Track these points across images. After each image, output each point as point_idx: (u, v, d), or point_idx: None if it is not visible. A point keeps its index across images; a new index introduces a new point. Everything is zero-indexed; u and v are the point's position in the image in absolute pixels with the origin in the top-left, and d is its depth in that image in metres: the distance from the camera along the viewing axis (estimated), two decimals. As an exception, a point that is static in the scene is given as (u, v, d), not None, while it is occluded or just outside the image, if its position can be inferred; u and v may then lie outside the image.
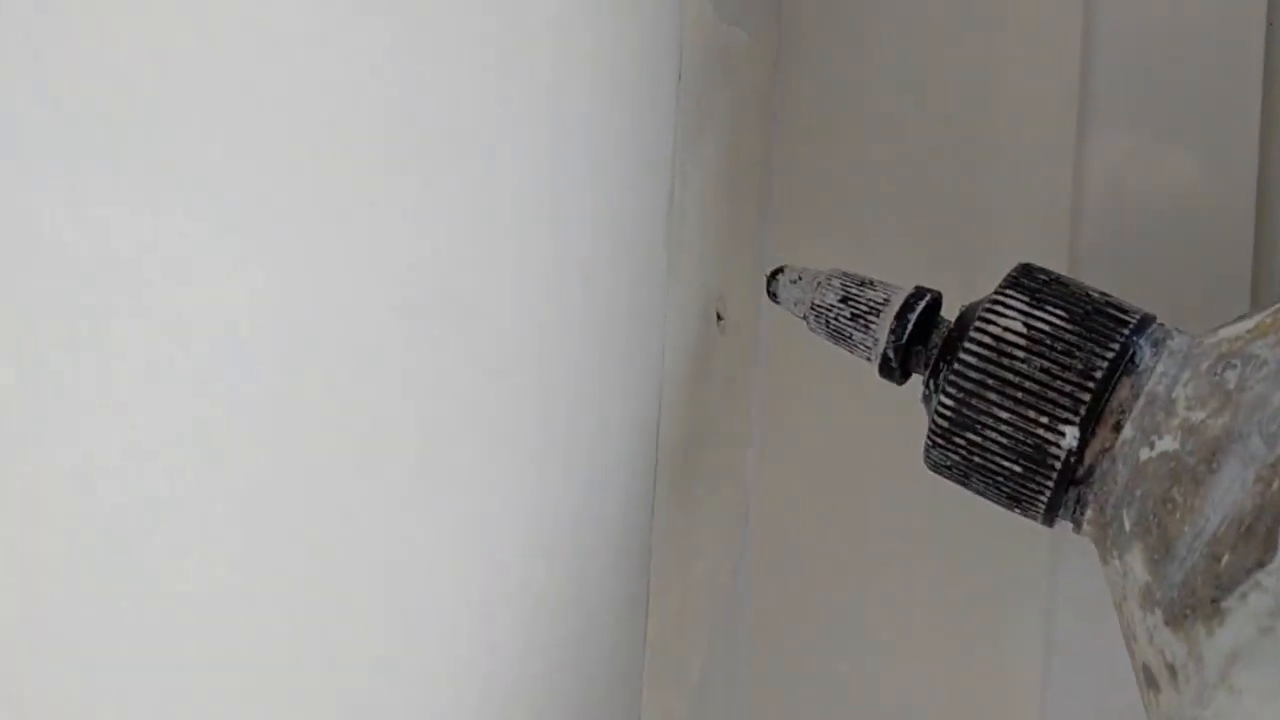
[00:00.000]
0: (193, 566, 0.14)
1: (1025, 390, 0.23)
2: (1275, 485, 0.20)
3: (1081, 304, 0.24)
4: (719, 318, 0.29)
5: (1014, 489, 0.24)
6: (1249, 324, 0.22)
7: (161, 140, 0.12)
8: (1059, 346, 0.23)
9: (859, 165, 0.34)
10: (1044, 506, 0.24)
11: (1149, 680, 0.22)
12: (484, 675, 0.22)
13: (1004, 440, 0.23)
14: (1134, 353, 0.23)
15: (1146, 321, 0.24)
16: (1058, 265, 0.31)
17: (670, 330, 0.28)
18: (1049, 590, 0.34)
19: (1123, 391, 0.23)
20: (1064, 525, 0.25)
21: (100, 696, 0.12)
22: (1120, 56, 0.32)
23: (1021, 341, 0.23)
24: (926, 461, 0.25)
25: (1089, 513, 0.23)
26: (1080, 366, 0.23)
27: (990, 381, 0.23)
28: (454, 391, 0.19)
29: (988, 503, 0.26)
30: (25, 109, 0.11)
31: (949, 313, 0.26)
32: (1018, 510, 0.24)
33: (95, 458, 0.12)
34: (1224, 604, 0.20)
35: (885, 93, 0.34)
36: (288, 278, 0.15)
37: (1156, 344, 0.23)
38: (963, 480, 0.25)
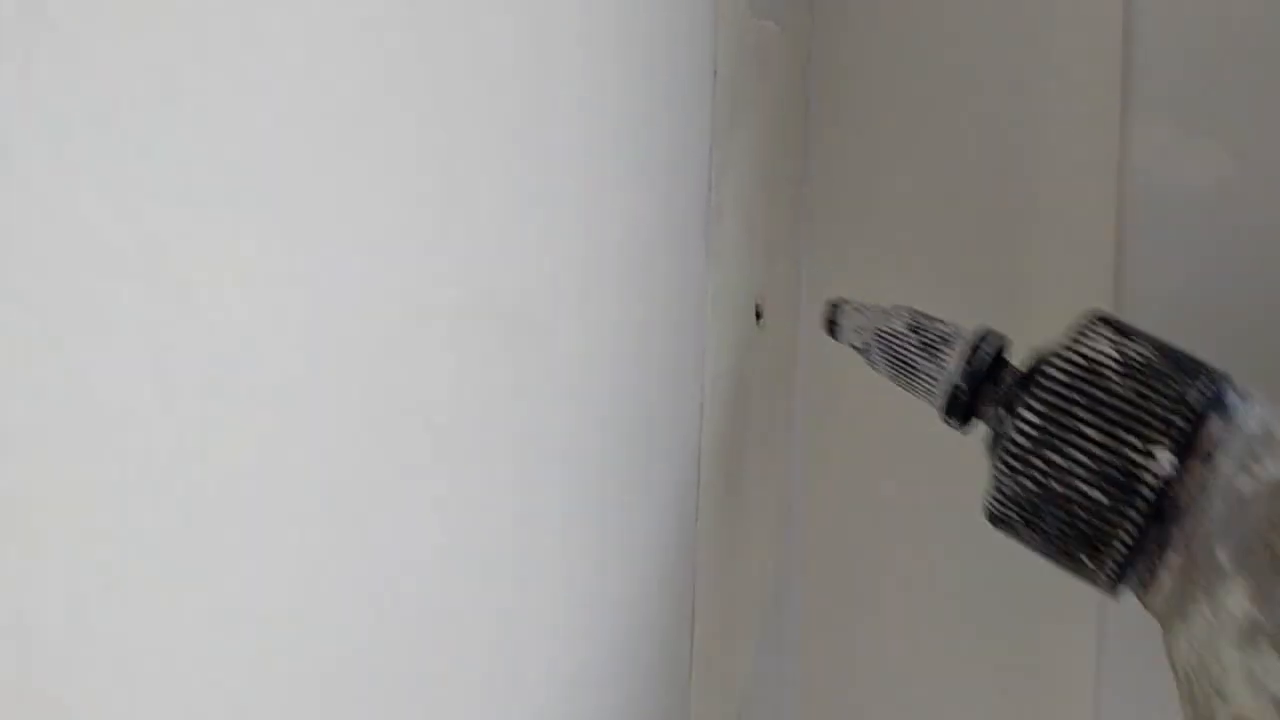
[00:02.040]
0: (242, 572, 0.13)
1: (1118, 410, 0.22)
2: None
3: (1166, 346, 0.23)
4: (758, 315, 0.28)
5: (1095, 524, 0.22)
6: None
7: (206, 139, 0.12)
8: (1151, 372, 0.22)
9: (895, 158, 0.34)
10: (1124, 546, 0.22)
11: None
12: (532, 686, 0.20)
13: (1089, 463, 0.22)
14: (1222, 391, 0.22)
15: (1228, 377, 0.23)
16: (1103, 257, 0.31)
17: (711, 328, 0.26)
18: (1101, 605, 0.32)
19: (1213, 425, 0.22)
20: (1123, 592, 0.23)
21: (143, 701, 0.12)
22: (1162, 50, 0.32)
23: (1114, 365, 0.23)
24: (990, 505, 0.24)
25: (1169, 555, 0.22)
26: (1173, 393, 0.22)
27: (1079, 399, 0.22)
28: (497, 398, 0.19)
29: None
30: (59, 103, 0.10)
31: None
32: (1086, 559, 0.23)
33: (137, 461, 0.12)
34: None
35: (920, 84, 0.34)
36: (330, 281, 0.14)
37: (1241, 392, 0.23)
38: (1031, 516, 0.23)
